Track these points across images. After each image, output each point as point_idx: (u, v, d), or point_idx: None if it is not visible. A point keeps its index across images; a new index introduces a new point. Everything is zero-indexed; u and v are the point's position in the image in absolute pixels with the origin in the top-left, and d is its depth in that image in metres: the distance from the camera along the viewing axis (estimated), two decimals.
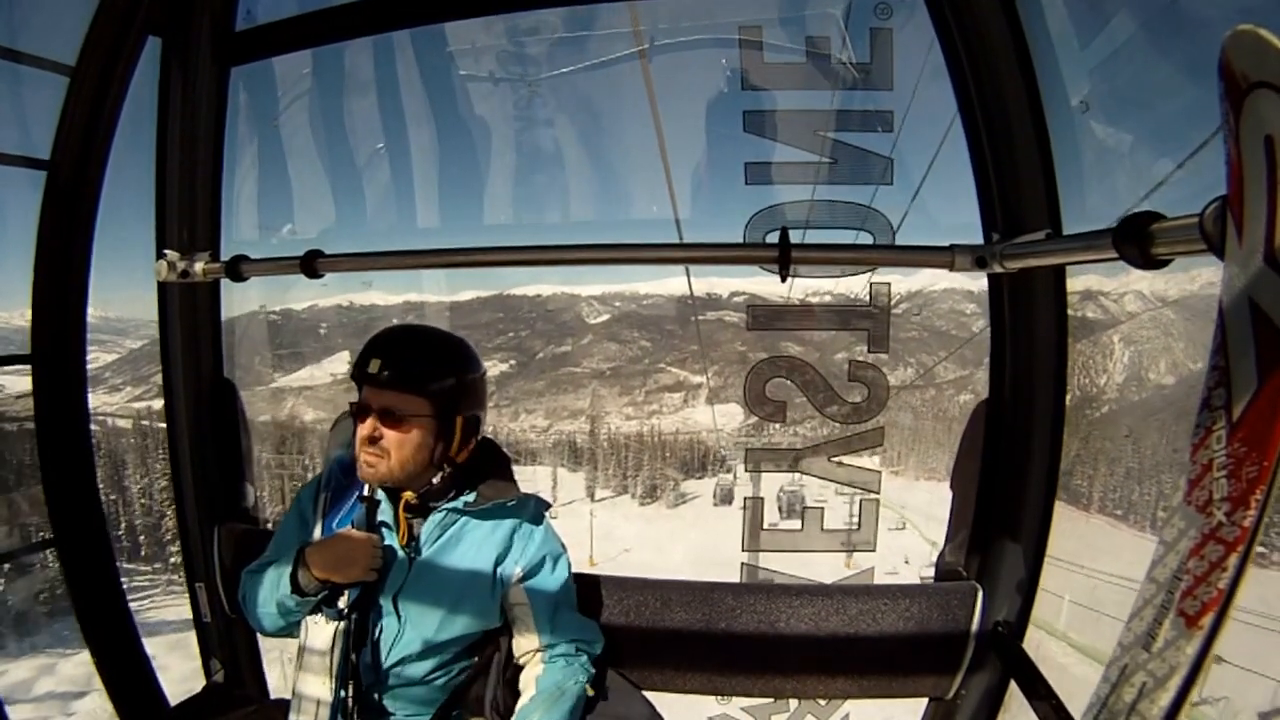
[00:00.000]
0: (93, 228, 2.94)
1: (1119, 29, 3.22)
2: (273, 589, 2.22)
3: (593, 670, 2.34)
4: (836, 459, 3.67)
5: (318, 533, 2.32)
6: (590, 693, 2.30)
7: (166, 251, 2.96)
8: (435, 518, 2.29)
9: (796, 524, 3.76)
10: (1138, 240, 1.45)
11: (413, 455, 2.20)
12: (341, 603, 2.19)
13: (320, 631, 2.19)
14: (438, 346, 2.31)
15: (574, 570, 2.52)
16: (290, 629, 2.29)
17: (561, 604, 2.37)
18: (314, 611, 2.21)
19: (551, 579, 2.37)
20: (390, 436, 2.17)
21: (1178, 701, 1.08)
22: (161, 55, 3.02)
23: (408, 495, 2.28)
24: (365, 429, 2.17)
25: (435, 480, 2.29)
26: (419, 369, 2.20)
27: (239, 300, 3.38)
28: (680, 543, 71.95)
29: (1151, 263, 1.46)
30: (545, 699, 2.20)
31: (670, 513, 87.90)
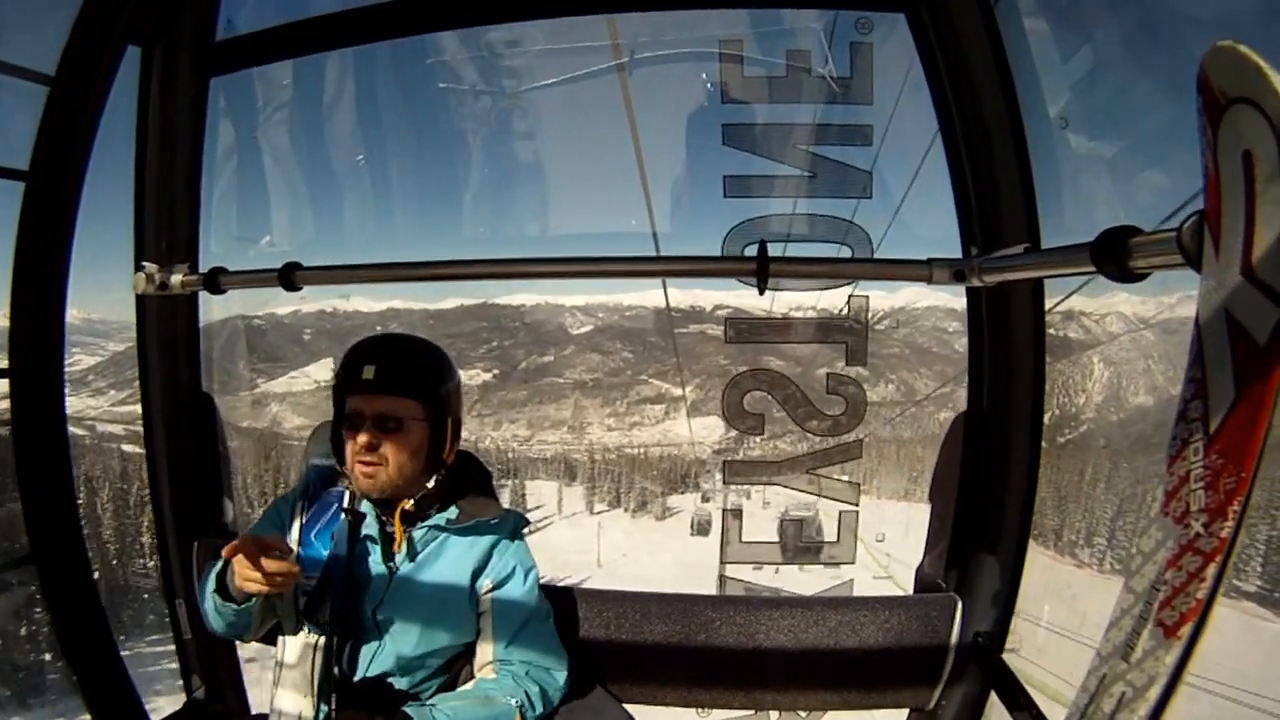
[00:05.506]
0: (71, 239, 2.87)
1: (1099, 45, 3.25)
2: (206, 584, 2.20)
3: (539, 706, 2.23)
4: (815, 472, 3.67)
5: (294, 541, 2.27)
6: None
7: (145, 264, 2.93)
8: (417, 534, 2.26)
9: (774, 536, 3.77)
10: (1116, 254, 1.46)
11: (410, 460, 2.19)
12: (317, 624, 2.17)
13: (293, 645, 2.18)
14: (422, 351, 2.30)
15: (567, 581, 2.49)
16: (238, 632, 2.26)
17: (529, 621, 2.33)
18: (295, 627, 2.19)
19: (519, 591, 2.33)
20: (389, 444, 2.15)
21: (1156, 712, 1.08)
22: (141, 65, 2.98)
23: (405, 504, 2.25)
24: (363, 437, 2.13)
25: (430, 485, 2.27)
26: (412, 372, 2.20)
27: (221, 305, 3.35)
28: (667, 551, 77.68)
29: (1129, 276, 1.47)
30: (470, 697, 2.17)
31: (658, 524, 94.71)
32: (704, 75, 3.77)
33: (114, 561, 46.46)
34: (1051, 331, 2.64)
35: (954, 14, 2.55)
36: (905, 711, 2.86)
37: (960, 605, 2.68)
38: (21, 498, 2.85)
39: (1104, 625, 1.21)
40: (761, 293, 2.46)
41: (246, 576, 1.95)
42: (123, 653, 3.09)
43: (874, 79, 3.20)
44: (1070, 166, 2.97)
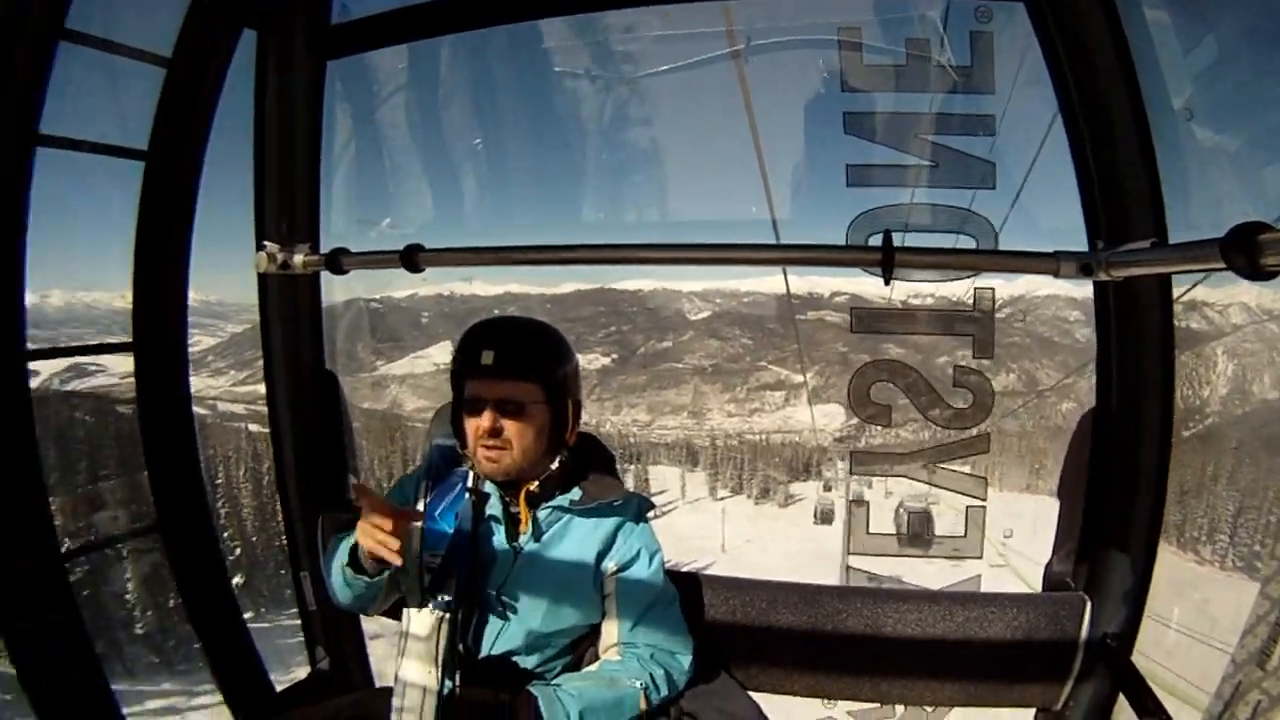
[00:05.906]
0: (191, 218, 3.00)
1: (1223, 35, 3.12)
2: (335, 557, 2.27)
3: (664, 689, 2.25)
4: (940, 465, 3.64)
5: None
6: (644, 706, 2.18)
7: (266, 243, 3.03)
8: (541, 514, 2.29)
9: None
10: (1246, 250, 1.44)
11: (534, 443, 2.23)
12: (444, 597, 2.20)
13: (421, 619, 2.20)
14: (539, 334, 2.32)
15: (692, 566, 2.50)
16: (364, 604, 2.33)
17: (654, 604, 2.34)
18: (421, 602, 2.21)
19: (645, 573, 2.35)
20: (511, 427, 2.19)
21: None
22: (257, 48, 3.08)
23: (530, 485, 2.28)
24: (485, 421, 2.17)
25: (553, 467, 2.31)
26: (531, 356, 2.23)
27: (343, 287, 3.47)
28: (790, 538, 78.78)
29: (1260, 274, 1.44)
30: (594, 678, 2.20)
31: (781, 511, 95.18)
32: (822, 63, 3.75)
33: (253, 539, 48.36)
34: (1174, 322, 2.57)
35: (1074, 2, 2.50)
36: (1032, 710, 2.83)
37: (1089, 605, 2.63)
38: (148, 470, 2.98)
39: (1228, 623, 1.20)
40: (887, 282, 2.46)
41: (372, 533, 1.97)
42: (261, 625, 3.25)
43: (995, 67, 3.16)
44: (1195, 159, 2.88)
